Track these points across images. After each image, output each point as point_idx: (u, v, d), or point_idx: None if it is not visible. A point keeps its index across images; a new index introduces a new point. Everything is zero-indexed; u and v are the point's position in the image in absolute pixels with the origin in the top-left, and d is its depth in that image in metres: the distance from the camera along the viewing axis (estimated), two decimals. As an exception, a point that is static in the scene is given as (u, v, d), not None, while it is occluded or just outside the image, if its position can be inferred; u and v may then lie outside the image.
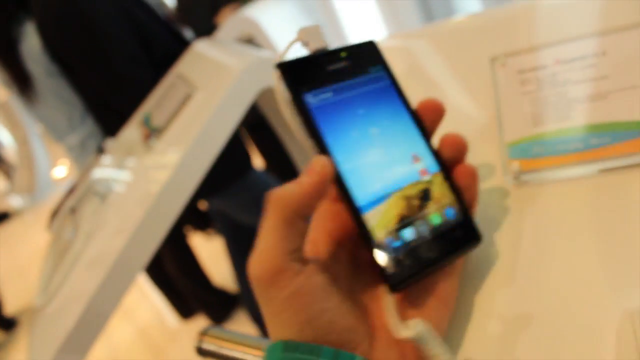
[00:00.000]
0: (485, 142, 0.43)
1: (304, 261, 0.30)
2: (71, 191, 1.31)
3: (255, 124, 1.73)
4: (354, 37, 1.13)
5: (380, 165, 0.33)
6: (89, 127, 1.58)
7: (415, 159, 0.34)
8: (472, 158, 0.36)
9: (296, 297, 0.29)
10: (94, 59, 1.39)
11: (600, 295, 0.32)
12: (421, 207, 0.33)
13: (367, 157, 0.33)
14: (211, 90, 1.06)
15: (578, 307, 0.32)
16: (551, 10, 0.48)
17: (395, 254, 0.31)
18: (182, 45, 1.46)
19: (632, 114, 0.37)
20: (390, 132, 0.34)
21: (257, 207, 1.61)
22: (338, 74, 0.34)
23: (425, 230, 0.32)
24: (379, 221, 0.31)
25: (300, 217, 0.30)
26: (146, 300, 2.62)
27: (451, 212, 0.33)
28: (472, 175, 0.35)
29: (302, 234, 0.31)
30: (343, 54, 0.35)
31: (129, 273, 0.92)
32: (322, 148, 0.32)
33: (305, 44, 0.35)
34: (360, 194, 0.32)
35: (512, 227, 0.37)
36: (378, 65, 0.36)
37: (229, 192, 1.53)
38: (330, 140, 0.32)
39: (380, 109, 0.35)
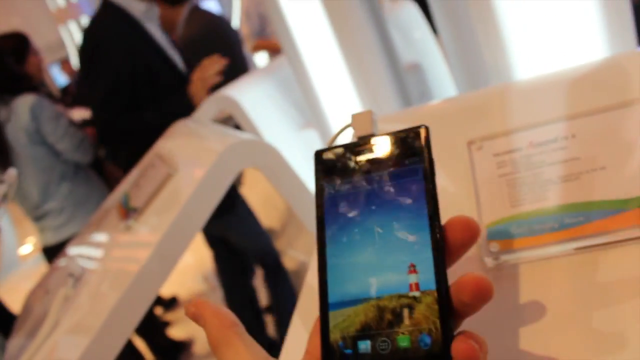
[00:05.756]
0: (465, 222, 0.44)
1: None
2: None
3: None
4: (333, 117, 1.17)
5: (369, 267, 0.31)
6: (65, 190, 1.83)
7: (412, 269, 0.30)
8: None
9: None
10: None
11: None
12: (393, 323, 0.29)
13: (359, 256, 0.31)
14: (191, 171, 1.06)
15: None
16: (523, 94, 0.50)
17: (342, 359, 0.30)
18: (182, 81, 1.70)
19: (603, 193, 0.39)
20: (395, 235, 0.31)
21: None
22: (370, 163, 0.33)
23: (386, 348, 0.29)
24: (340, 323, 0.30)
25: None
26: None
27: (426, 341, 0.28)
28: (482, 294, 0.28)
29: None
30: (383, 142, 0.34)
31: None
32: (320, 238, 0.33)
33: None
34: (337, 291, 0.31)
35: (492, 307, 0.37)
36: (417, 156, 0.32)
37: None
38: (329, 232, 0.33)
39: (396, 207, 0.32)
